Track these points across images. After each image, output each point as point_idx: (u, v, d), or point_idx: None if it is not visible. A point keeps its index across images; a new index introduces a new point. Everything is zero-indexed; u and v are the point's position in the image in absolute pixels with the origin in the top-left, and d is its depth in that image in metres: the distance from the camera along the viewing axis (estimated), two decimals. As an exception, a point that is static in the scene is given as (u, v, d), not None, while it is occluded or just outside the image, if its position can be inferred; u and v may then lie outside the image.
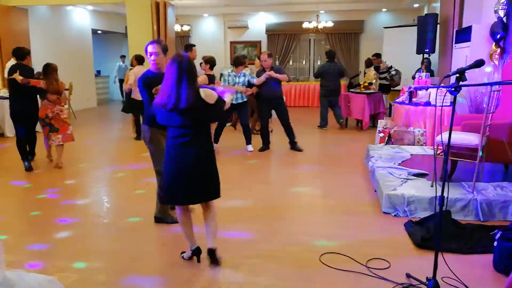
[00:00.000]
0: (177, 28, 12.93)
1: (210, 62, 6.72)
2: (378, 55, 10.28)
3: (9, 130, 8.36)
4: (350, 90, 9.85)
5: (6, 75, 7.03)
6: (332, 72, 8.94)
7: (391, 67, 9.91)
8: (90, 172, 5.94)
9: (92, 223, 4.01)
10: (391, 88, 10.14)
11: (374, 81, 9.62)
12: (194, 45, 7.07)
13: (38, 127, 6.16)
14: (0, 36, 9.18)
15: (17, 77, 5.45)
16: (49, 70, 5.79)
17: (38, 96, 5.92)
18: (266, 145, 6.98)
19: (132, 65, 8.03)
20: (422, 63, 9.06)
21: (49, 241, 3.58)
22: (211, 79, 6.73)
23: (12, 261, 3.10)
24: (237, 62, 6.65)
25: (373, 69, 9.92)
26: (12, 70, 5.64)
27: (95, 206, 4.52)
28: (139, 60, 7.69)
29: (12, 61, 6.61)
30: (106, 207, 4.51)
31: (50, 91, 5.73)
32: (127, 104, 8.11)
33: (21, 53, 5.79)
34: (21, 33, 9.69)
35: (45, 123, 5.80)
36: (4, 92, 8.66)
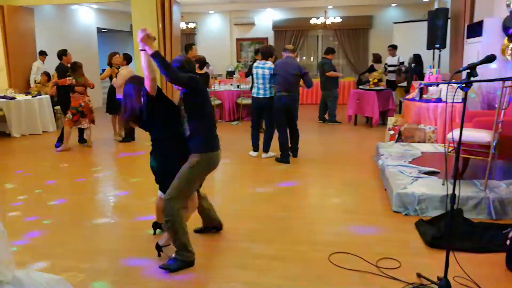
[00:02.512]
0: (183, 25, 12.90)
1: (198, 61, 6.59)
2: (394, 47, 10.28)
3: (16, 130, 8.36)
4: (360, 86, 9.78)
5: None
6: (320, 68, 9.51)
7: (402, 62, 9.86)
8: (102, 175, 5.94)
9: (97, 223, 4.00)
10: (397, 85, 10.07)
11: (380, 77, 9.57)
12: (194, 44, 7.38)
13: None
14: (7, 36, 9.25)
15: (52, 80, 7.21)
16: (76, 67, 6.98)
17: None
18: (283, 155, 6.06)
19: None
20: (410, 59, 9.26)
21: (56, 241, 3.58)
22: (206, 78, 6.76)
23: (20, 261, 3.09)
24: (267, 53, 6.08)
25: (383, 66, 9.87)
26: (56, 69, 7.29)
27: (101, 206, 4.52)
28: (128, 59, 7.35)
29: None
30: (111, 206, 4.50)
31: (78, 84, 6.87)
32: (112, 103, 7.70)
33: (57, 55, 7.35)
34: (27, 32, 9.76)
35: (78, 111, 6.97)
36: (11, 92, 8.70)
